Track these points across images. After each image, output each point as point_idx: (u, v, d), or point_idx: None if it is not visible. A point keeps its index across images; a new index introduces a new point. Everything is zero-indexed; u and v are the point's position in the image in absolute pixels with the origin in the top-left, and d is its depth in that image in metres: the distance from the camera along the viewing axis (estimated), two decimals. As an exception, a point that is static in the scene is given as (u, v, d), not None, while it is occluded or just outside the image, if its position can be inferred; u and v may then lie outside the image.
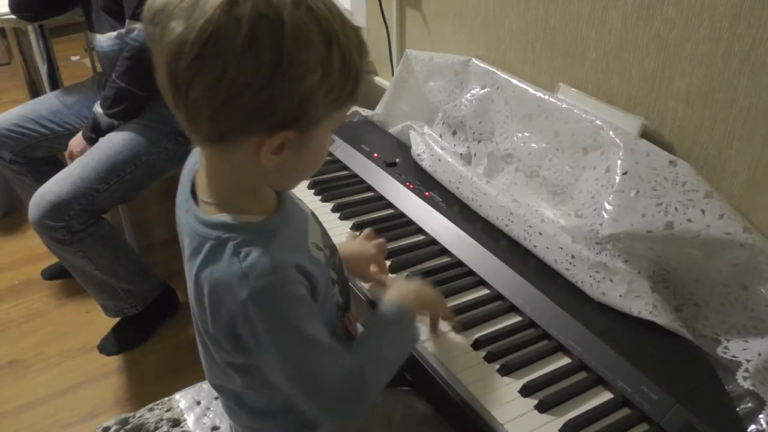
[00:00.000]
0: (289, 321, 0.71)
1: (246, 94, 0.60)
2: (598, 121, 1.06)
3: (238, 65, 0.59)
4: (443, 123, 1.41)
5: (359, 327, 1.00)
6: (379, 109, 1.56)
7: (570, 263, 1.00)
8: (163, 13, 0.60)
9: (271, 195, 0.75)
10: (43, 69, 2.11)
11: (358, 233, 1.06)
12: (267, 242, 0.71)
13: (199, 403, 1.11)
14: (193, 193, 0.76)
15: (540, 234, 1.05)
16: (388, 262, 1.07)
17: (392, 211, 1.24)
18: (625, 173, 0.98)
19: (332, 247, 0.85)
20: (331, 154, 1.42)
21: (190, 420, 1.08)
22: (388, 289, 0.91)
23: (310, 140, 0.68)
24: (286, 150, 0.67)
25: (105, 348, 1.77)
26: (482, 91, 1.30)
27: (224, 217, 0.71)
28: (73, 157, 1.64)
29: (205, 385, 1.13)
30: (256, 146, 0.65)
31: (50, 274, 2.05)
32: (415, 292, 0.88)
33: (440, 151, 1.29)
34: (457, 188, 1.22)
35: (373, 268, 1.03)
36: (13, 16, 1.80)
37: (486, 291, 1.03)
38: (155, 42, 0.62)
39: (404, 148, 1.41)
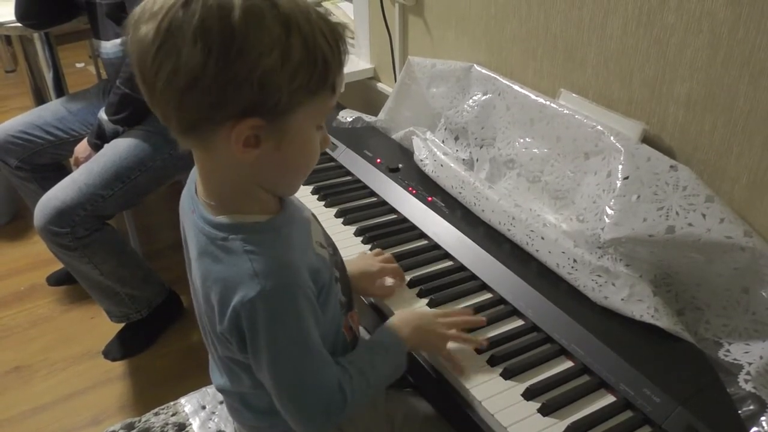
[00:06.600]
0: (291, 323, 0.72)
1: (202, 79, 0.63)
2: (599, 127, 1.07)
3: (191, 51, 0.62)
4: (445, 129, 1.42)
5: (362, 329, 1.01)
6: (381, 115, 1.57)
7: (572, 267, 1.00)
8: (137, 21, 0.65)
9: (270, 197, 0.76)
10: (48, 76, 2.12)
11: (369, 251, 1.07)
12: (275, 241, 0.72)
13: (204, 407, 1.11)
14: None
15: (542, 238, 1.05)
16: (395, 265, 1.08)
17: (395, 216, 1.25)
18: (626, 178, 0.99)
19: (334, 246, 0.87)
20: (334, 160, 1.43)
21: (195, 424, 1.08)
22: (396, 313, 0.92)
23: (287, 131, 0.68)
24: (262, 143, 0.68)
25: (110, 353, 1.78)
26: (484, 97, 1.31)
27: (229, 218, 0.72)
28: (78, 164, 1.66)
29: (210, 390, 1.13)
30: (227, 137, 0.66)
31: (55, 279, 2.06)
32: (415, 327, 0.88)
33: (443, 156, 1.29)
34: (460, 193, 1.22)
35: (389, 281, 1.03)
36: (19, 24, 1.82)
37: (488, 295, 1.03)
38: (131, 47, 0.66)
39: (407, 153, 1.41)
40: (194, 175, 0.78)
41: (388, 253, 1.06)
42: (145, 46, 0.63)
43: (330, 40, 0.67)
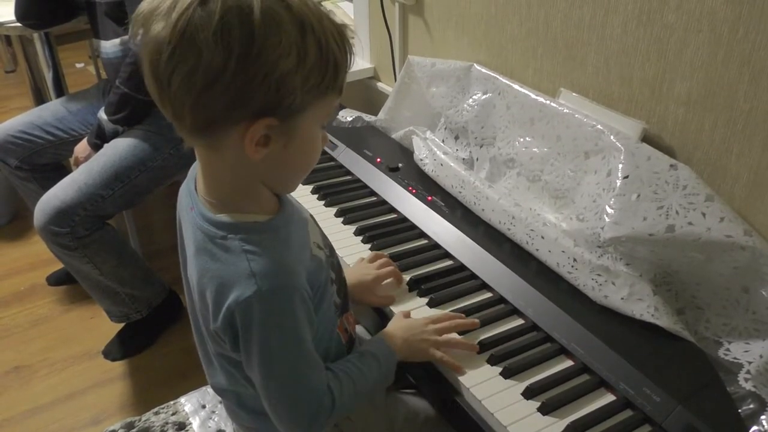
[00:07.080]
0: (286, 324, 0.72)
1: (221, 80, 0.63)
2: (599, 126, 1.07)
3: (211, 52, 0.62)
4: (445, 128, 1.42)
5: (359, 329, 1.01)
6: (381, 114, 1.57)
7: (572, 266, 1.00)
8: (147, 18, 0.64)
9: (270, 196, 0.76)
10: (48, 76, 2.12)
11: (368, 252, 1.07)
12: (273, 242, 0.72)
13: (204, 406, 1.11)
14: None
15: (542, 238, 1.05)
16: (391, 268, 1.08)
17: (395, 215, 1.24)
18: (626, 177, 0.99)
19: (331, 247, 0.87)
20: (334, 159, 1.43)
21: (195, 423, 1.08)
22: (391, 321, 0.93)
23: (296, 131, 0.69)
24: (272, 142, 0.68)
25: (110, 353, 1.78)
26: (484, 96, 1.31)
27: (228, 217, 0.72)
28: (78, 164, 1.66)
29: (210, 389, 1.13)
30: (240, 137, 0.67)
31: (55, 279, 2.06)
32: (405, 339, 0.88)
33: (443, 155, 1.29)
34: (460, 193, 1.22)
35: (386, 282, 1.03)
36: (19, 24, 1.82)
37: (489, 294, 1.03)
38: (142, 46, 0.65)
39: (407, 153, 1.41)
40: (194, 172, 0.78)
41: (384, 257, 1.06)
42: (158, 45, 0.63)
43: (339, 41, 0.68)
